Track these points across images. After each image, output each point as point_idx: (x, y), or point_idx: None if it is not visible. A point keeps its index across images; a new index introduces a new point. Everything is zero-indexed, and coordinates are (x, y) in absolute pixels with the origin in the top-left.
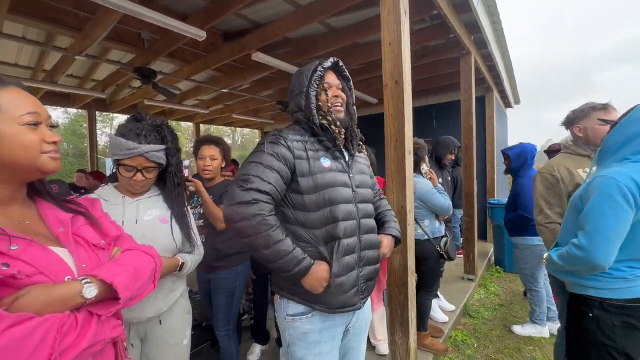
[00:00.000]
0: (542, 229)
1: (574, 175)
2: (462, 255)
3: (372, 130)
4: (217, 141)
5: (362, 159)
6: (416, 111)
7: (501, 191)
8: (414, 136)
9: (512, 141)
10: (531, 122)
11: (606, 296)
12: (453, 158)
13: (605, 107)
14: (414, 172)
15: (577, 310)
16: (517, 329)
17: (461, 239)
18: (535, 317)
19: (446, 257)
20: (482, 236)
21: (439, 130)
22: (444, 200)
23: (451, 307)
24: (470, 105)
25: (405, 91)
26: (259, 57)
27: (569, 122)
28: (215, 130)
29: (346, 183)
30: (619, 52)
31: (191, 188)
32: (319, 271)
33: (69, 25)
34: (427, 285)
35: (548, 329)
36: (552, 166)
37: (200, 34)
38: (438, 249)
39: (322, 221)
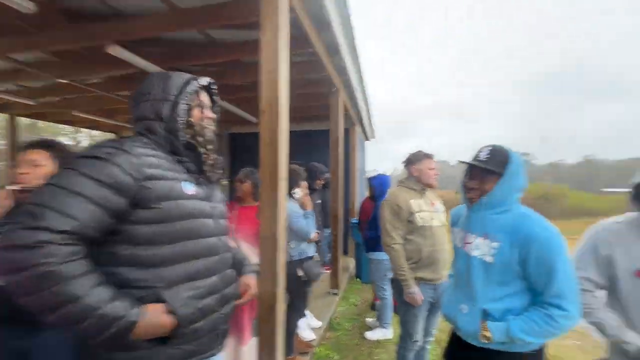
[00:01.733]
0: (389, 249)
1: (410, 204)
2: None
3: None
4: (49, 144)
5: (219, 188)
6: (295, 135)
7: None
8: (290, 161)
9: (369, 168)
10: (381, 153)
11: (538, 346)
12: (322, 183)
13: (431, 157)
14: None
15: None
16: (369, 334)
17: (329, 255)
18: (384, 322)
19: (305, 278)
20: (345, 252)
21: (313, 154)
22: (304, 224)
23: (318, 323)
24: (338, 136)
25: (281, 119)
26: (118, 52)
27: (408, 162)
28: (45, 127)
29: (209, 213)
30: (435, 108)
31: None
32: (153, 318)
33: None
34: (293, 307)
35: (392, 331)
36: (395, 196)
37: (28, 6)
38: (298, 271)
39: (174, 258)
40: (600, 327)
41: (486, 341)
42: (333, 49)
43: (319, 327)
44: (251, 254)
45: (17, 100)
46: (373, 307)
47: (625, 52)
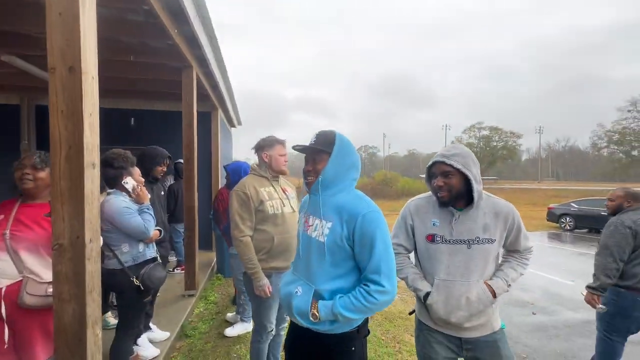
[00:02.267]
0: (237, 243)
1: (259, 192)
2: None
3: None
4: None
5: None
6: (139, 114)
7: None
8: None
9: (237, 157)
10: (252, 142)
11: (361, 321)
12: (164, 170)
13: (283, 143)
14: (115, 188)
15: (342, 351)
16: (228, 331)
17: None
18: (245, 316)
19: (142, 288)
20: (208, 246)
21: (170, 139)
22: (138, 221)
23: (164, 334)
24: (192, 119)
25: (87, 84)
26: None
27: (258, 148)
28: None
29: None
30: (299, 102)
31: None
32: None
33: None
34: (126, 326)
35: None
36: (244, 185)
37: None
38: (133, 280)
39: None
40: (405, 280)
41: (314, 320)
42: (177, 13)
43: (167, 339)
44: (43, 269)
45: None
46: (234, 301)
47: (434, 73)
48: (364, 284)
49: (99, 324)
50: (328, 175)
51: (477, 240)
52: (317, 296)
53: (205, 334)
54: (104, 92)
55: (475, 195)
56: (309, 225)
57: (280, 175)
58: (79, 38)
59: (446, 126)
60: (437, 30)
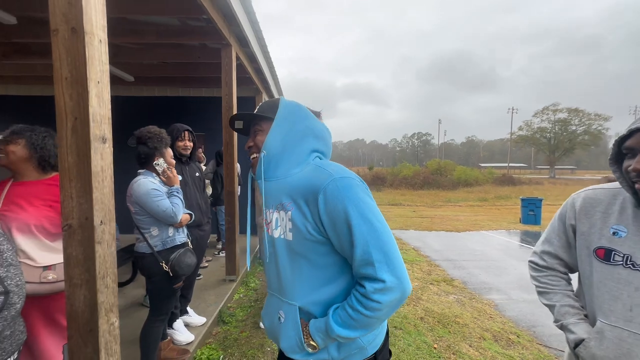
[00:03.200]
0: None
1: None
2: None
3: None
4: None
5: None
6: (181, 101)
7: None
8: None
9: None
10: None
11: (378, 345)
12: (186, 145)
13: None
14: (145, 168)
15: None
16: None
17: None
18: None
19: (172, 274)
20: (253, 231)
21: (201, 125)
22: (166, 205)
23: (201, 320)
24: (231, 101)
25: (91, 47)
26: None
27: None
28: None
29: None
30: (347, 91)
31: None
32: None
33: None
34: (154, 310)
35: None
36: None
37: None
38: (162, 265)
39: None
40: (551, 309)
41: (314, 350)
42: None
43: (203, 324)
44: (38, 252)
45: None
46: None
47: (495, 52)
48: (358, 284)
49: (114, 312)
50: (272, 146)
51: None
52: (306, 315)
53: (242, 322)
54: (145, 80)
55: None
56: (268, 223)
57: None
58: None
59: (512, 109)
60: (497, 4)
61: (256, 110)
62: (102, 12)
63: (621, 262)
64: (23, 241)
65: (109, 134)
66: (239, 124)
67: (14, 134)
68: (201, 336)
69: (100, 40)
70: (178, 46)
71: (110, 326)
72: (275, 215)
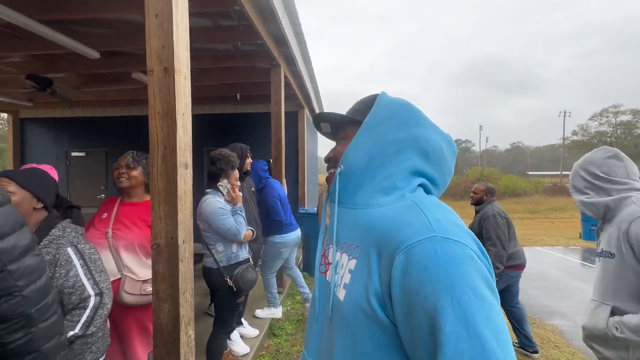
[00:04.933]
0: None
1: None
2: None
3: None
4: None
5: None
6: (231, 117)
7: (311, 201)
8: (219, 144)
9: (323, 153)
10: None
11: None
12: (251, 162)
13: None
14: (210, 187)
15: None
16: (258, 312)
17: None
18: (270, 301)
19: (235, 289)
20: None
21: (254, 141)
22: (231, 223)
23: (255, 332)
24: (280, 118)
25: (180, 83)
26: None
27: None
28: None
29: None
30: None
31: None
32: None
33: None
34: (221, 322)
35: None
36: None
37: None
38: (227, 280)
39: None
40: None
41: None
42: (266, 12)
43: (256, 336)
44: (139, 267)
45: None
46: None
47: (533, 50)
48: None
49: (191, 325)
50: (353, 160)
51: None
52: None
53: (291, 335)
54: (201, 100)
55: None
56: (328, 264)
57: None
58: (173, 38)
59: (564, 113)
60: (533, 5)
61: (348, 109)
62: (187, 51)
63: None
64: (127, 258)
65: (190, 161)
66: (325, 127)
67: (136, 160)
68: (255, 348)
69: (185, 77)
70: (230, 69)
71: (188, 338)
72: (338, 256)
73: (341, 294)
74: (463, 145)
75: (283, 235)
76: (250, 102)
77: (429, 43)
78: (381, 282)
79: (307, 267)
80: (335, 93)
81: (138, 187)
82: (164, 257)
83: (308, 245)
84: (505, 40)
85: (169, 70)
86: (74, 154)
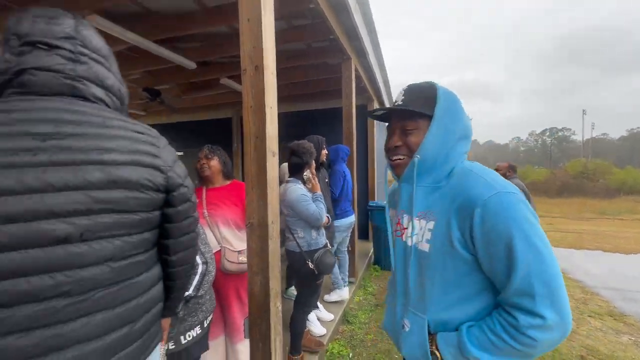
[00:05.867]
0: None
1: None
2: None
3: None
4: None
5: None
6: (304, 115)
7: (380, 195)
8: (293, 140)
9: None
10: None
11: None
12: (327, 153)
13: None
14: (294, 177)
15: None
16: (327, 297)
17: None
18: (334, 282)
19: (316, 272)
20: (364, 236)
21: (327, 135)
22: (314, 209)
23: (330, 316)
24: (351, 111)
25: (268, 79)
26: (97, 21)
27: None
28: None
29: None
30: (459, 88)
31: None
32: None
33: None
34: (302, 301)
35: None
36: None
37: None
38: (308, 263)
39: None
40: None
41: None
42: (339, 6)
43: (331, 321)
44: (234, 240)
45: None
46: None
47: None
48: (505, 311)
49: (279, 298)
50: (430, 152)
51: None
52: (434, 329)
53: (365, 324)
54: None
55: None
56: (403, 229)
57: None
58: (262, 39)
59: None
60: None
61: (404, 99)
62: (273, 50)
63: None
64: (225, 231)
65: (277, 150)
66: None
67: (211, 152)
68: (331, 331)
69: (272, 73)
70: (299, 67)
71: (276, 309)
72: (415, 222)
73: (424, 246)
74: (559, 134)
75: (338, 220)
76: (320, 98)
77: (511, 25)
78: (461, 231)
79: (379, 260)
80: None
81: (217, 174)
82: (256, 235)
83: (379, 238)
84: (612, 7)
85: (259, 69)
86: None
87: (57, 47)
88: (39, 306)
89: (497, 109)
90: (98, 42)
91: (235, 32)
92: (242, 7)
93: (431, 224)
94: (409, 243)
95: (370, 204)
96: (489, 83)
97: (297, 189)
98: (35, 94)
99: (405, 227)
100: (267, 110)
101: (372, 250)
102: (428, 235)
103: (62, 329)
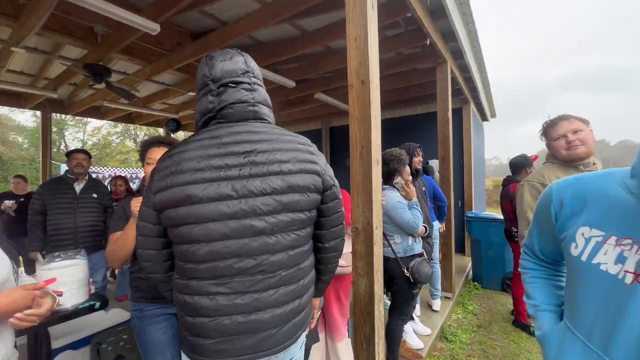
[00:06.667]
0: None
1: None
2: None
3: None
4: (170, 142)
5: None
6: (391, 122)
7: (479, 205)
8: (388, 147)
9: (488, 154)
10: (501, 136)
11: None
12: (420, 160)
13: (553, 123)
14: (386, 184)
15: None
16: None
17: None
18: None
19: (412, 280)
20: (461, 250)
21: (415, 142)
22: (409, 217)
23: (427, 330)
24: (447, 116)
25: (373, 92)
26: None
27: (543, 133)
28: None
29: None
30: (564, 82)
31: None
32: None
33: (4, 13)
34: (398, 309)
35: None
36: (542, 175)
37: (153, 27)
38: (404, 270)
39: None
40: None
41: None
42: (437, 10)
43: (428, 335)
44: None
45: (166, 115)
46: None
47: None
48: None
49: (382, 301)
50: None
51: None
52: None
53: (467, 344)
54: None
55: None
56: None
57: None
58: (368, 55)
59: None
60: None
61: None
62: (377, 65)
63: None
64: None
65: (380, 158)
66: None
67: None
68: (428, 346)
69: (376, 86)
70: (391, 75)
71: (379, 312)
72: None
73: None
74: None
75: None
76: (412, 104)
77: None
78: None
79: (478, 276)
80: (500, 82)
81: None
82: (361, 239)
83: (479, 252)
84: None
85: (365, 83)
86: None
87: (241, 82)
88: (247, 278)
89: (632, 100)
90: (257, 67)
91: (330, 51)
92: (350, 27)
93: None
94: None
95: (469, 214)
96: (617, 70)
97: (392, 196)
98: (232, 122)
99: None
100: (372, 121)
101: (469, 265)
102: None
103: (260, 295)
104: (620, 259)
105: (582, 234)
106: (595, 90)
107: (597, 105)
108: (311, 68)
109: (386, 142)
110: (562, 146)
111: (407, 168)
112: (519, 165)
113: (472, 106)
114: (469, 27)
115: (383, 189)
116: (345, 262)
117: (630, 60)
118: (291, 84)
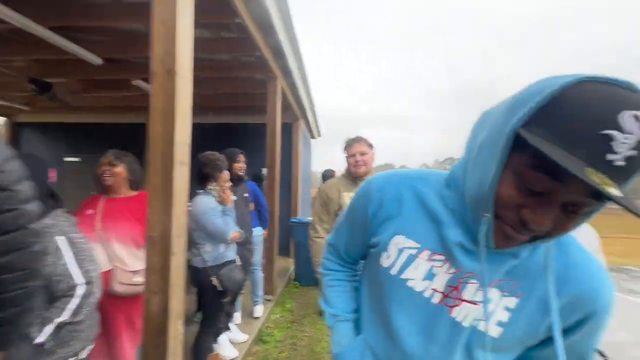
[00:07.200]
0: (311, 243)
1: (342, 196)
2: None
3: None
4: None
5: None
6: (222, 128)
7: (304, 211)
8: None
9: (315, 167)
10: (330, 153)
11: None
12: (242, 167)
13: (348, 144)
14: (200, 189)
15: None
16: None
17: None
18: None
19: (220, 288)
20: (285, 253)
21: (251, 151)
22: (219, 223)
23: (244, 337)
24: (275, 128)
25: (180, 85)
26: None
27: (344, 149)
28: None
29: None
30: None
31: None
32: None
33: None
34: (206, 323)
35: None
36: (328, 187)
37: None
38: (212, 278)
39: None
40: None
41: None
42: (265, 25)
43: (245, 342)
44: (129, 258)
45: None
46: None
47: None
48: None
49: (180, 319)
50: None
51: None
52: None
53: (280, 342)
54: (200, 110)
55: None
56: (461, 299)
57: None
58: (175, 42)
59: None
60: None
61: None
62: (190, 57)
63: None
64: (119, 249)
65: (187, 159)
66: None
67: (117, 159)
68: (243, 353)
69: (185, 78)
70: (228, 79)
71: (176, 331)
72: (491, 294)
73: (494, 331)
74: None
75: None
76: (246, 112)
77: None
78: (570, 320)
79: (299, 276)
80: (328, 108)
81: (122, 183)
82: (157, 250)
83: (300, 254)
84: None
85: (171, 73)
86: (69, 159)
87: None
88: None
89: (405, 140)
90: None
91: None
92: (156, 10)
93: (512, 302)
94: (465, 322)
95: (292, 220)
96: (400, 115)
97: (204, 202)
98: None
99: (464, 297)
100: (178, 116)
101: (292, 267)
102: (504, 316)
103: None
104: (429, 276)
105: (396, 244)
106: (389, 129)
107: (389, 141)
108: (126, 48)
109: (215, 148)
110: (352, 163)
111: (226, 173)
112: (327, 176)
113: (302, 123)
114: (296, 53)
115: (197, 194)
116: (142, 280)
117: (408, 107)
118: (96, 60)
